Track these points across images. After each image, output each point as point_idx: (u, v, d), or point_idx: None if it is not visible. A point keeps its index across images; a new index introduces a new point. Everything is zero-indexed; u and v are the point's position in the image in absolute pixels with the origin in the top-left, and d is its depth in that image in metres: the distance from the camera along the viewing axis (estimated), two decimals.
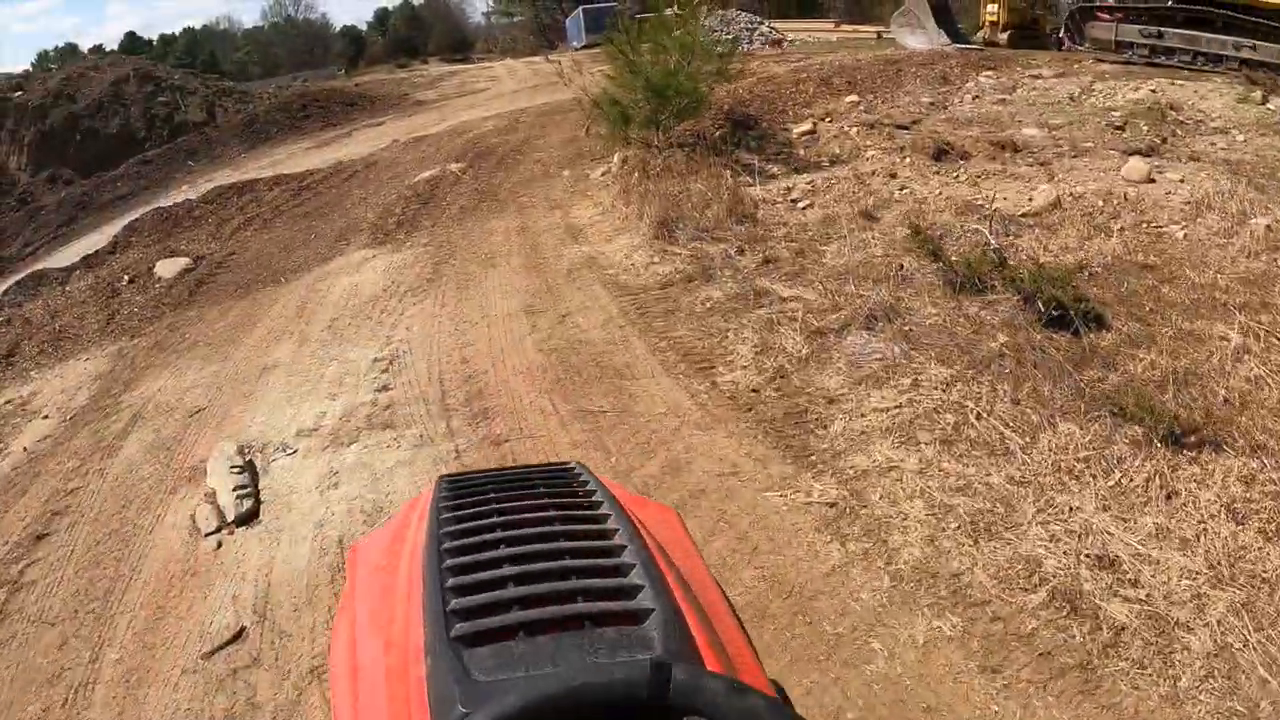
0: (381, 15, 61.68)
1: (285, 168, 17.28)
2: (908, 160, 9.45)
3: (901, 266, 6.31)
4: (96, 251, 13.16)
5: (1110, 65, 16.98)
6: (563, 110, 16.21)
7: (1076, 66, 16.62)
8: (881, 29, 32.08)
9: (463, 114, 18.86)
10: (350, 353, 6.47)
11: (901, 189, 8.57)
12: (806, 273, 6.40)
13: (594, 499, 1.61)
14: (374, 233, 9.64)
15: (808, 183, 8.67)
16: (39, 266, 14.41)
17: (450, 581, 1.31)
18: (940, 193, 8.53)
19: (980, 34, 24.97)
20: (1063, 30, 25.08)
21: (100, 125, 21.63)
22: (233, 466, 5.01)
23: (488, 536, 1.44)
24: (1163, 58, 17.22)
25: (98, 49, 45.41)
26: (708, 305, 6.11)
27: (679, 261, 6.87)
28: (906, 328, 5.51)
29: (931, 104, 12.29)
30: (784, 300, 5.94)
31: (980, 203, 8.18)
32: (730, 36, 10.45)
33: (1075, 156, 9.93)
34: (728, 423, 4.77)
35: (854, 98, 12.32)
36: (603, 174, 10.21)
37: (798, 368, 5.20)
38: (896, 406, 4.79)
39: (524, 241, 8.40)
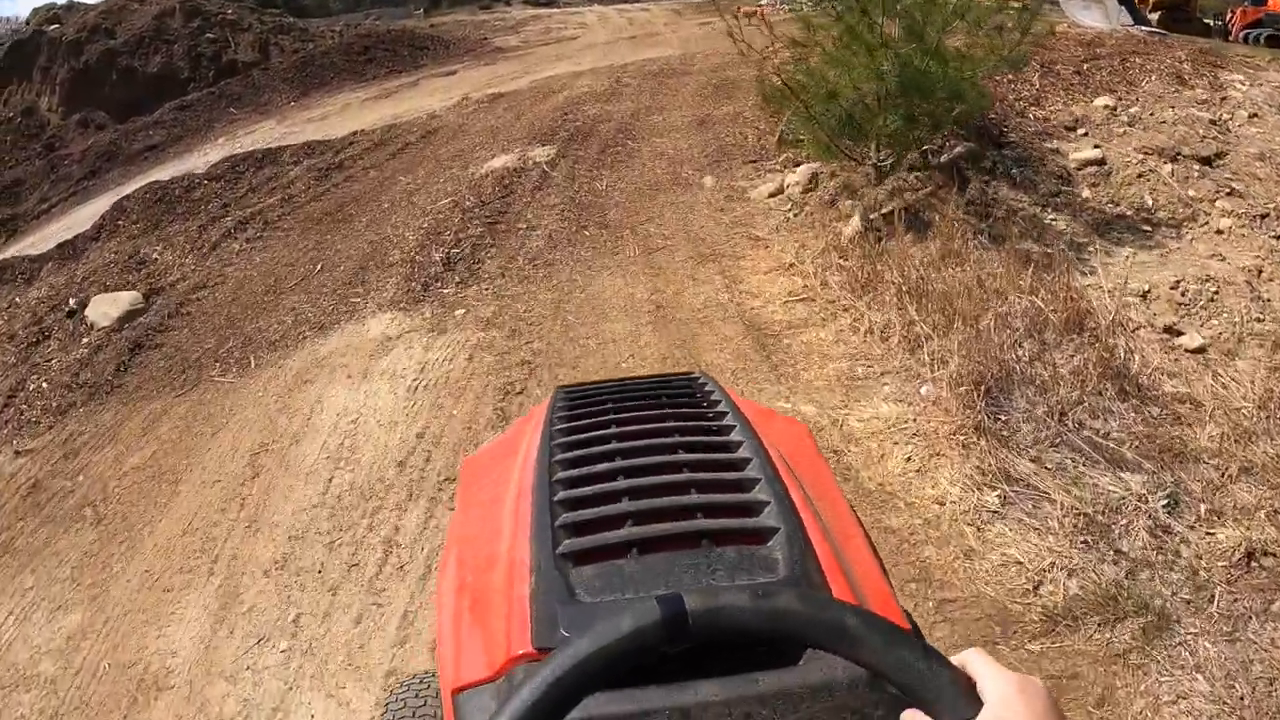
0: None
1: (332, 125, 13.38)
2: None
3: None
4: (77, 237, 9.52)
5: None
6: (676, 71, 11.81)
7: None
8: None
9: (549, 67, 14.53)
10: (306, 708, 2.51)
11: None
12: None
13: (719, 409, 1.33)
14: (409, 275, 5.58)
15: (1174, 286, 4.41)
16: (11, 253, 10.82)
17: (560, 495, 1.11)
18: None
19: None
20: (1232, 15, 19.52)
21: (140, 64, 17.72)
22: None
23: (603, 448, 1.22)
24: None
25: None
26: None
27: (1053, 514, 2.70)
28: None
29: (1213, 123, 7.67)
30: None
31: None
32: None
33: None
34: None
35: (1106, 100, 7.75)
36: (773, 195, 5.98)
37: None
38: None
39: (669, 343, 4.27)
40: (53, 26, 18.34)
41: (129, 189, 13.22)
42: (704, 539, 1.00)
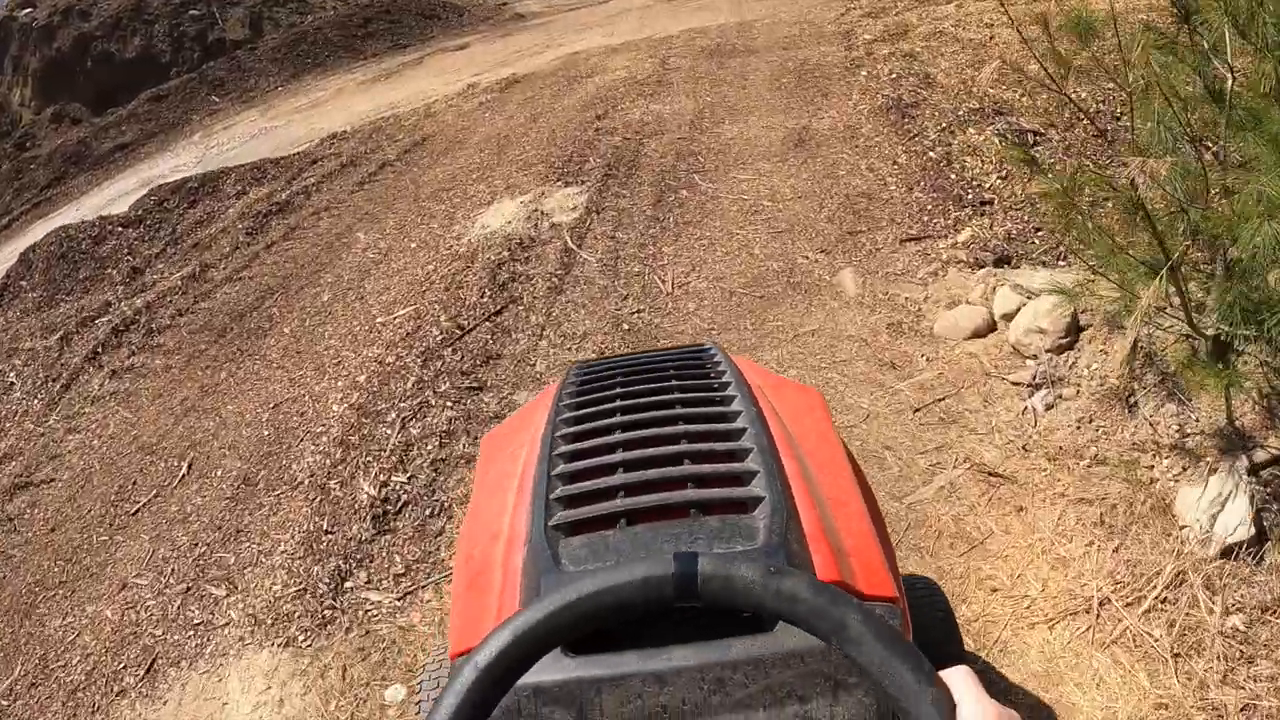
0: None
1: (320, 116, 10.70)
2: None
3: None
4: None
5: None
6: (736, 48, 8.67)
7: None
8: None
9: (578, 39, 11.43)
10: None
11: None
12: None
13: (723, 380, 1.27)
14: (313, 535, 2.81)
15: None
16: None
17: (558, 468, 1.08)
18: None
19: None
20: None
21: (117, 48, 14.87)
22: None
23: (604, 422, 1.17)
24: None
25: None
26: None
27: None
28: None
29: None
30: None
31: None
32: None
33: None
34: None
35: None
36: (977, 336, 3.12)
37: None
38: None
39: None
40: (25, 10, 15.52)
41: (104, 194, 10.73)
42: (693, 509, 0.95)
